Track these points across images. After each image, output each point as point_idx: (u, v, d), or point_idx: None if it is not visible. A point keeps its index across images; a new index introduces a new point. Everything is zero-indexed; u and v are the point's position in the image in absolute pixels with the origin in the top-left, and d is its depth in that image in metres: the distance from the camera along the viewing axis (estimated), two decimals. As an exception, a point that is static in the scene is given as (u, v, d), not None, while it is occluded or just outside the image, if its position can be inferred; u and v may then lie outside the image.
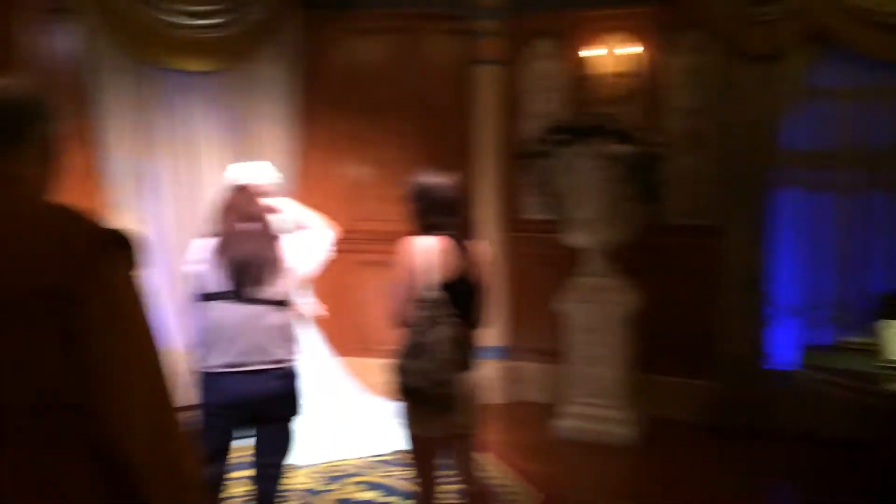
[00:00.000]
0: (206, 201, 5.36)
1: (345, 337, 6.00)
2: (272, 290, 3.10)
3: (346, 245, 5.76)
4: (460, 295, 3.01)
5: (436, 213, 3.07)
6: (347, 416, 5.08)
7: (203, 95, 5.49)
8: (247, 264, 3.08)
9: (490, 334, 5.70)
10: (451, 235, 3.04)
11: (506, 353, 5.96)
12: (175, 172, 5.43)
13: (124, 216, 5.18)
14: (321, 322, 5.11)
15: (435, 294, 2.94)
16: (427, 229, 3.06)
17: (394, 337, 3.05)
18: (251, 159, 5.27)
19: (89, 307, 1.40)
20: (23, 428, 1.39)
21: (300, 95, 5.72)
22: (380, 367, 5.73)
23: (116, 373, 1.43)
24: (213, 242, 3.14)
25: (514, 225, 5.91)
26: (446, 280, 2.97)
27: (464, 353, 3.01)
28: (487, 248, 3.25)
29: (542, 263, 5.83)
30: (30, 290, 1.38)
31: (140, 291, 1.49)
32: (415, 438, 3.07)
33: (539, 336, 5.89)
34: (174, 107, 5.42)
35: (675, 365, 5.55)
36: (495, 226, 5.85)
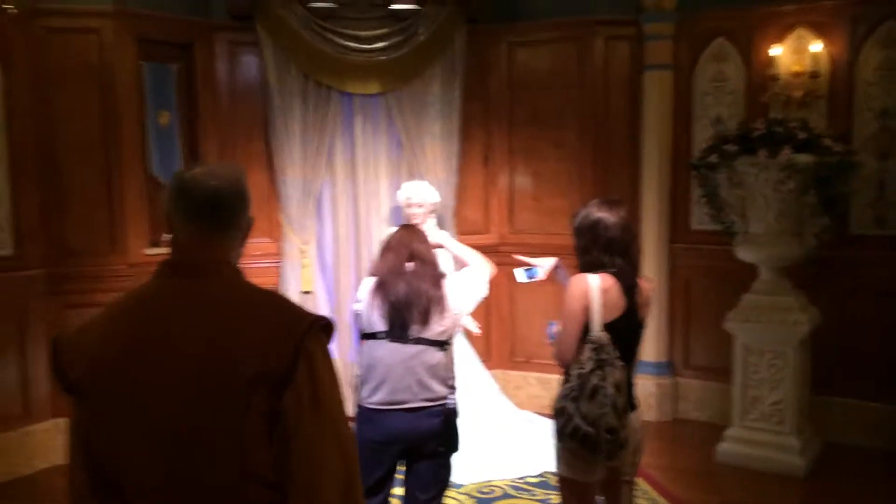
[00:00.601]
0: (372, 220, 5.65)
1: (496, 349, 6.12)
2: (433, 330, 3.13)
3: (501, 258, 5.83)
4: (625, 336, 2.91)
5: (602, 251, 2.93)
6: (497, 434, 5.09)
7: (371, 116, 5.66)
8: (409, 304, 3.10)
9: (650, 349, 5.61)
10: (618, 274, 2.92)
11: (666, 368, 5.76)
12: (344, 192, 5.65)
13: (296, 236, 5.52)
14: (473, 336, 5.22)
15: (604, 335, 2.84)
16: (592, 267, 2.94)
17: (561, 377, 2.95)
18: (415, 178, 5.53)
19: (297, 391, 1.47)
20: (223, 502, 1.49)
21: (463, 112, 5.78)
22: (530, 381, 5.94)
23: (317, 452, 1.50)
24: (377, 281, 3.21)
25: (682, 236, 5.67)
26: (612, 321, 2.87)
27: (629, 395, 2.93)
28: (652, 286, 3.12)
29: (709, 277, 5.58)
30: (249, 375, 1.45)
31: (335, 371, 1.58)
32: (573, 483, 2.94)
33: (703, 352, 5.66)
34: (344, 128, 5.63)
35: (853, 386, 5.15)
36: (660, 236, 5.64)
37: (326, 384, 1.53)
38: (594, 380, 2.78)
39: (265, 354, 1.47)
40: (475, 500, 4.44)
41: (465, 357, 5.19)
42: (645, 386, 5.52)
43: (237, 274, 1.63)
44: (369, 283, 3.26)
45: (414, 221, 5.05)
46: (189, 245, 1.59)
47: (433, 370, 3.13)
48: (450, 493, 4.39)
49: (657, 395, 5.69)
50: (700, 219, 5.55)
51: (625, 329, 2.92)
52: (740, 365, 4.91)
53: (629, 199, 5.61)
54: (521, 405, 5.76)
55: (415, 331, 3.11)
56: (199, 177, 1.61)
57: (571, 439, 2.80)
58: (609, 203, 3.03)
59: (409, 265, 3.20)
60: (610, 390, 2.78)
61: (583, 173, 5.81)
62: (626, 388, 2.91)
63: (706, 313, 5.53)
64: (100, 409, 1.51)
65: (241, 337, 1.49)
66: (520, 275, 3.41)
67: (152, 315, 1.54)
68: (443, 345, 3.17)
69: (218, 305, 1.54)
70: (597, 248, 2.95)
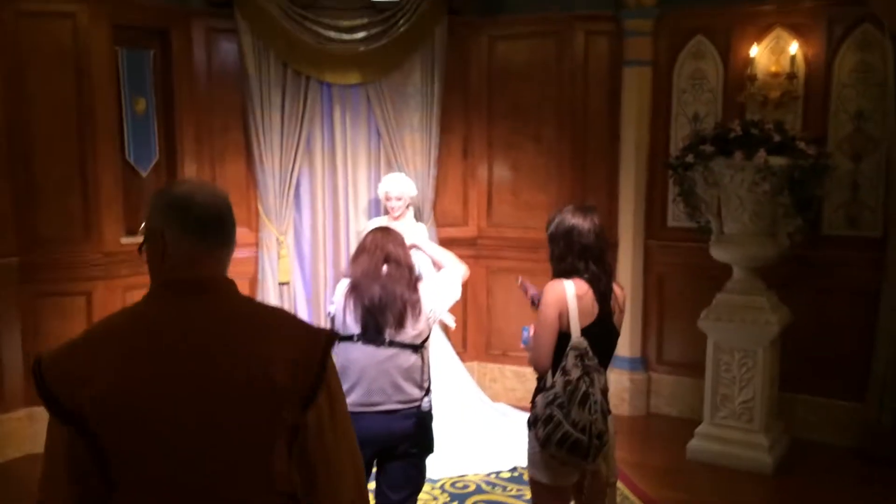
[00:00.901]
0: (350, 211, 5.67)
1: (472, 342, 6.17)
2: (408, 333, 3.15)
3: (479, 251, 5.99)
4: (600, 342, 2.96)
5: (578, 257, 2.98)
6: (472, 428, 5.14)
7: (351, 107, 5.67)
8: (384, 308, 3.12)
9: (624, 344, 5.66)
10: (592, 280, 2.97)
11: (640, 363, 5.84)
12: (323, 183, 5.66)
13: (274, 226, 5.51)
14: (450, 329, 5.26)
15: (585, 342, 2.88)
16: (566, 273, 2.99)
17: (538, 382, 3.00)
18: (394, 169, 5.52)
19: (319, 405, 1.55)
20: None
21: (443, 104, 5.78)
22: (505, 374, 6.02)
23: (337, 463, 1.58)
24: (351, 284, 3.21)
25: (658, 232, 5.72)
26: (586, 327, 2.92)
27: (607, 400, 2.99)
28: (624, 293, 3.18)
29: (684, 274, 5.65)
30: (281, 390, 1.50)
31: (340, 381, 1.66)
32: (552, 488, 2.98)
33: (676, 348, 5.75)
34: (323, 119, 5.63)
35: (822, 384, 5.26)
36: (636, 232, 5.70)
37: (340, 397, 1.62)
38: (583, 386, 2.82)
39: (294, 369, 1.52)
40: (449, 494, 4.49)
41: (441, 350, 5.23)
42: (618, 381, 5.63)
43: (236, 288, 1.65)
44: (344, 285, 3.28)
45: (393, 214, 5.16)
46: (191, 261, 1.59)
47: (407, 373, 3.16)
48: (424, 487, 4.43)
49: (630, 389, 5.77)
50: (676, 216, 5.61)
51: (600, 336, 2.97)
52: (712, 363, 4.99)
53: (606, 195, 5.72)
54: (496, 398, 5.84)
55: (389, 334, 3.14)
56: (194, 192, 1.62)
57: (559, 447, 2.82)
58: (583, 210, 3.07)
59: (384, 268, 3.21)
60: (598, 396, 2.85)
61: (561, 168, 5.84)
62: (606, 392, 2.98)
63: (680, 309, 5.61)
64: (119, 432, 1.48)
65: (270, 353, 1.53)
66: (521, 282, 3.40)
67: (171, 334, 1.53)
68: (417, 347, 3.20)
69: (237, 321, 1.57)
70: (571, 255, 2.99)
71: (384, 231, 3.37)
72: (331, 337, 1.62)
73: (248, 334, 1.56)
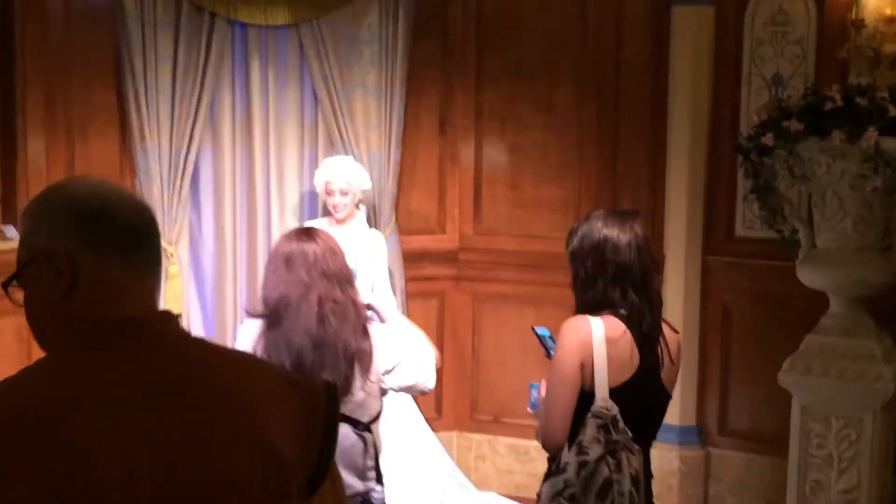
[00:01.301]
0: (273, 210, 5.72)
1: (451, 402, 6.16)
2: (352, 400, 3.12)
3: (461, 269, 5.98)
4: (640, 408, 2.98)
5: (612, 283, 3.00)
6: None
7: (276, 58, 5.67)
8: (316, 364, 3.05)
9: (672, 408, 5.57)
10: (631, 318, 2.98)
11: (695, 435, 5.80)
12: (233, 169, 5.68)
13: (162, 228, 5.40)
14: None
15: (613, 406, 2.89)
16: (596, 306, 3.01)
17: (549, 461, 3.01)
18: (338, 151, 5.55)
19: (326, 463, 1.63)
20: None
21: (411, 56, 5.80)
22: (498, 449, 6.05)
23: None
24: (265, 333, 3.13)
25: (721, 245, 5.73)
26: (621, 384, 2.94)
27: (647, 492, 3.01)
28: (679, 337, 3.19)
29: (759, 305, 5.65)
30: (287, 462, 1.56)
31: None
32: None
33: (747, 414, 5.75)
34: (235, 75, 5.63)
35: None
36: (690, 244, 5.69)
37: (337, 471, 1.72)
38: (604, 471, 2.83)
39: (296, 434, 1.58)
40: None
41: (403, 413, 5.26)
42: (664, 459, 5.56)
43: (181, 326, 1.68)
44: (252, 328, 3.19)
45: (336, 215, 5.21)
46: (119, 294, 1.58)
47: (345, 457, 3.07)
48: None
49: (681, 472, 5.74)
50: (749, 222, 5.63)
51: (639, 398, 2.97)
52: (798, 435, 4.91)
53: (648, 190, 5.81)
54: (483, 484, 5.84)
55: None
56: (106, 194, 1.62)
57: None
58: (620, 216, 3.11)
59: (316, 309, 3.10)
60: (626, 486, 2.84)
61: (582, 150, 5.86)
62: (645, 481, 2.99)
63: (753, 358, 5.59)
64: None
65: (264, 415, 1.57)
66: (540, 329, 3.44)
67: (120, 401, 1.49)
68: (362, 425, 3.19)
69: (209, 374, 1.59)
70: (602, 281, 3.01)
71: (306, 237, 3.20)
72: (331, 388, 1.66)
73: (229, 391, 1.57)
